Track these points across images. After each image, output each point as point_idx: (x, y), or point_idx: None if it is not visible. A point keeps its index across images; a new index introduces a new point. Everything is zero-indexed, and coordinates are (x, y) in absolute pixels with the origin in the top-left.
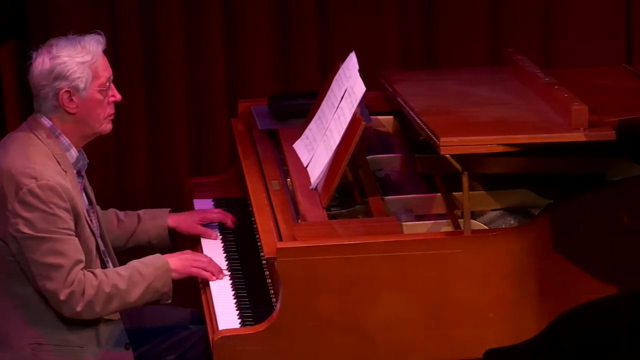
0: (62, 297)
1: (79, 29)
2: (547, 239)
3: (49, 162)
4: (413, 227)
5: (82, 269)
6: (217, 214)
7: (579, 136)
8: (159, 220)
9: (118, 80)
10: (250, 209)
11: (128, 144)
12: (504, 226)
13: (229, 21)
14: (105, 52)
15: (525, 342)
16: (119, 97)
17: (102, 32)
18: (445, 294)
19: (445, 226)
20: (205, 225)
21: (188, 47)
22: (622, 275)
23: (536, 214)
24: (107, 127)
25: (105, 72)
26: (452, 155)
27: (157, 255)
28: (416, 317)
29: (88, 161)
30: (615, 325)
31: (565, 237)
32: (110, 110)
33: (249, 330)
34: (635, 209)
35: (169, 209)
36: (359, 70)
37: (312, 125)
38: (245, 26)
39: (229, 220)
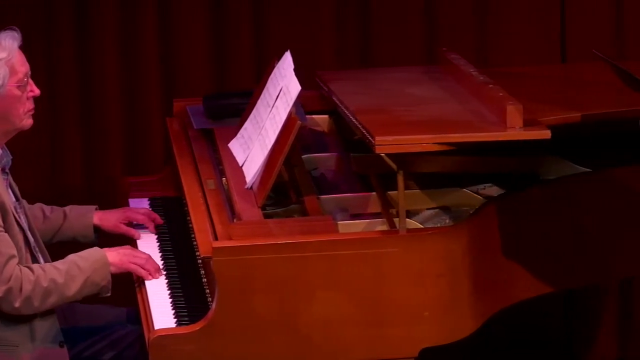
0: None
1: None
2: (481, 238)
3: None
4: (348, 226)
5: (17, 264)
6: (142, 216)
7: (513, 135)
8: (85, 217)
9: (53, 78)
10: (186, 208)
11: (63, 143)
12: (439, 225)
13: (163, 20)
14: (38, 51)
15: (460, 341)
16: (37, 91)
17: (17, 28)
18: (381, 293)
19: (380, 225)
20: (131, 225)
21: (123, 46)
22: (556, 274)
23: (471, 212)
24: (27, 122)
25: (23, 67)
26: (387, 154)
27: (96, 249)
28: (352, 316)
29: (12, 157)
30: (549, 324)
31: (499, 236)
32: (30, 105)
33: (185, 329)
34: (569, 208)
35: (95, 206)
36: (294, 70)
37: (248, 124)
38: (180, 25)
39: (151, 224)
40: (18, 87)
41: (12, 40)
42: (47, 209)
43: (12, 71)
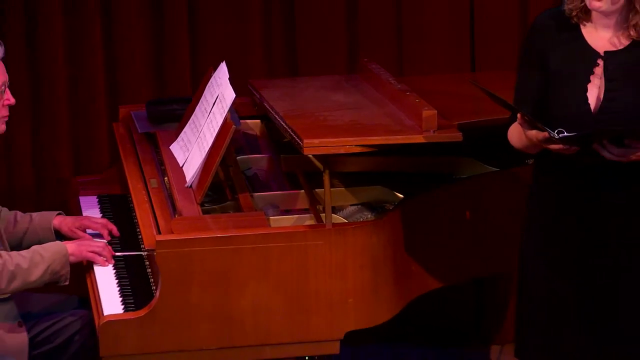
0: None
1: None
2: (400, 232)
3: None
4: (279, 221)
5: None
6: (98, 225)
7: (428, 138)
8: (46, 221)
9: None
10: (131, 205)
11: (15, 146)
12: (361, 220)
13: (108, 33)
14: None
15: (381, 325)
16: (13, 100)
17: (1, 41)
18: (308, 281)
19: (308, 220)
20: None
21: (71, 57)
22: (466, 264)
23: (390, 208)
24: (1, 127)
25: (1, 77)
26: (314, 155)
27: (57, 242)
28: (281, 303)
29: None
30: (461, 310)
31: (416, 229)
32: (5, 112)
33: (131, 315)
34: (477, 203)
35: (58, 212)
36: (229, 79)
37: (187, 128)
38: (123, 38)
39: (106, 232)
40: None
41: None
42: (19, 215)
43: None
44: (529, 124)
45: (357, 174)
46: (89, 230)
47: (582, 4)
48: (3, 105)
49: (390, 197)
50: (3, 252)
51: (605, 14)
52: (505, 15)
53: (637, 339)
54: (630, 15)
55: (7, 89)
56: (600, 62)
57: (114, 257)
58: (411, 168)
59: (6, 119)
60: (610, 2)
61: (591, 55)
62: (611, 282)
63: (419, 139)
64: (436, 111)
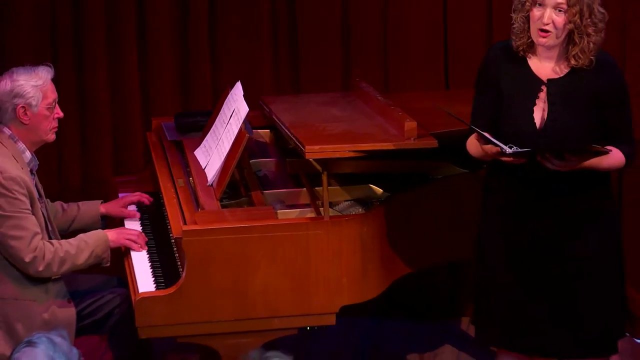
0: (27, 259)
1: (23, 61)
2: (386, 223)
3: (10, 161)
4: (285, 214)
5: (41, 239)
6: (136, 196)
7: (409, 144)
8: (93, 209)
9: (60, 105)
10: (162, 200)
11: (65, 151)
12: (353, 213)
13: (143, 55)
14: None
15: (370, 301)
16: (61, 114)
17: (51, 65)
18: (308, 264)
19: (309, 213)
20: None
21: (111, 76)
22: (442, 250)
23: (378, 203)
24: (51, 136)
25: (52, 94)
26: (314, 159)
27: (99, 230)
28: (286, 282)
29: (38, 162)
30: (436, 289)
31: (399, 221)
32: (54, 124)
33: (162, 292)
34: (450, 199)
35: (101, 200)
36: (243, 95)
37: (208, 137)
38: (155, 59)
39: (145, 199)
40: (47, 108)
41: (46, 73)
42: (65, 205)
43: (44, 96)
44: (484, 140)
45: (350, 175)
46: (131, 206)
47: (529, 40)
48: (53, 119)
49: (377, 194)
50: (54, 241)
51: (549, 47)
52: (473, 42)
53: (581, 315)
54: (570, 47)
55: (57, 105)
56: (544, 88)
57: (147, 243)
58: (395, 170)
59: (55, 129)
60: (554, 38)
61: (536, 82)
62: (559, 269)
63: (401, 145)
64: (416, 122)
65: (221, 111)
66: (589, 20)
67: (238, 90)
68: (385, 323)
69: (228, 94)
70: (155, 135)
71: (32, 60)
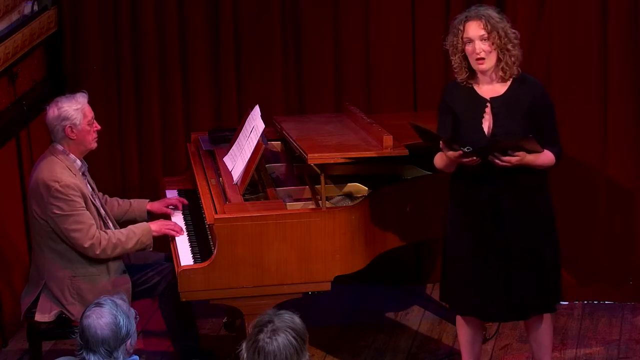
0: (86, 245)
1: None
2: (369, 211)
3: (64, 171)
4: (292, 206)
5: (97, 229)
6: (175, 200)
7: (387, 153)
8: (142, 205)
9: (120, 124)
10: (198, 195)
11: (125, 157)
12: (344, 205)
13: (185, 83)
14: (113, 107)
15: (357, 271)
16: (99, 127)
17: (86, 91)
18: (310, 243)
19: (310, 205)
20: (169, 207)
21: (161, 100)
22: (411, 232)
23: (363, 197)
24: (94, 145)
25: (90, 113)
26: (314, 164)
27: (144, 223)
28: (294, 256)
29: (87, 165)
30: (407, 261)
31: (379, 210)
32: (95, 135)
33: (199, 265)
34: (418, 194)
35: (148, 199)
36: (261, 115)
37: (234, 147)
38: (194, 87)
39: (181, 202)
40: (88, 124)
41: (83, 97)
42: (120, 200)
43: (84, 115)
44: (448, 146)
45: (341, 176)
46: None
47: (467, 74)
48: (94, 131)
49: (362, 190)
50: (109, 231)
51: (487, 71)
52: (435, 73)
53: (524, 285)
54: (498, 63)
55: (94, 120)
56: (488, 104)
57: (186, 227)
58: (376, 172)
59: (96, 139)
60: (489, 62)
61: (481, 101)
62: (506, 249)
63: (381, 153)
64: (392, 136)
65: (244, 127)
66: (506, 39)
67: (256, 111)
68: (368, 288)
69: (249, 114)
70: (194, 146)
71: (103, 87)
